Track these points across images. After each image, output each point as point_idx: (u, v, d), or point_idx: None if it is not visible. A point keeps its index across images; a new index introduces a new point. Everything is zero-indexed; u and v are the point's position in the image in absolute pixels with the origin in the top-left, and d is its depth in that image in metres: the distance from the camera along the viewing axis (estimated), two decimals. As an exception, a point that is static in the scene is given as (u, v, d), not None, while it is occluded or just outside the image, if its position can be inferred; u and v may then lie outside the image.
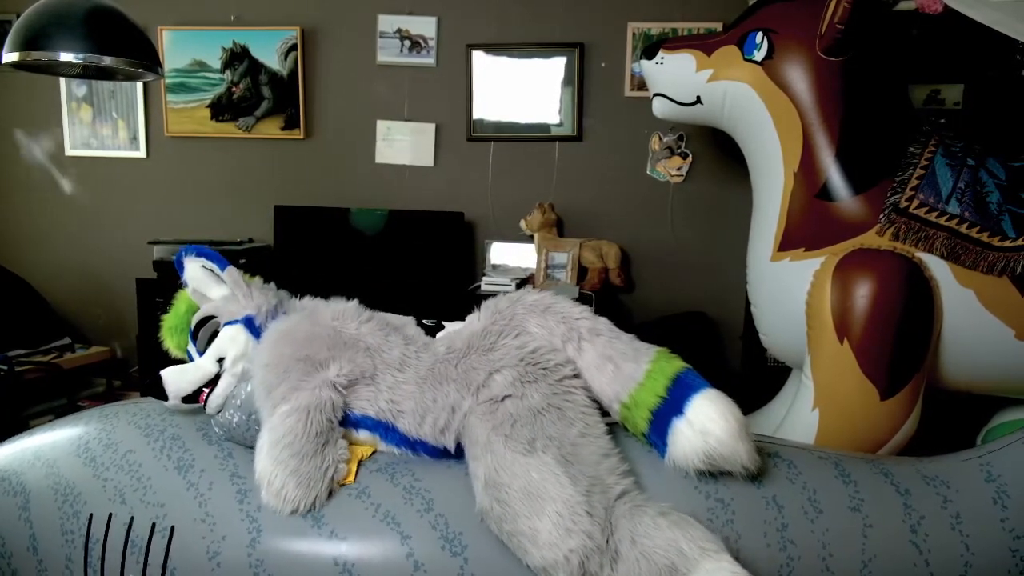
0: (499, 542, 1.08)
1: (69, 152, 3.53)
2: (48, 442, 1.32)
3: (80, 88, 3.48)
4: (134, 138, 3.48)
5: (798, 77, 1.98)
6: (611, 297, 3.09)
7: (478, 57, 3.18)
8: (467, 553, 1.10)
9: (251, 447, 1.20)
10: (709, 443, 1.09)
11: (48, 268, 3.59)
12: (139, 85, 3.41)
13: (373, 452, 1.23)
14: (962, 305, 1.84)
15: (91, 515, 1.19)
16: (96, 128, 3.51)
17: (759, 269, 2.14)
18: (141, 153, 3.49)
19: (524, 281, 3.08)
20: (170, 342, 1.42)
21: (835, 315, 1.84)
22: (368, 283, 3.09)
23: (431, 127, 3.26)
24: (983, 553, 1.12)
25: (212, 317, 1.33)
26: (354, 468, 1.18)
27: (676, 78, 2.20)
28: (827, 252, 1.93)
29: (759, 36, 2.03)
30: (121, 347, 3.54)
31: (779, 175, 2.04)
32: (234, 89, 3.35)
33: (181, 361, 1.37)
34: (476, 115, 3.22)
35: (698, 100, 2.19)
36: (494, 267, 3.22)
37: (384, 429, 1.22)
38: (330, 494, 1.15)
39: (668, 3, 3.03)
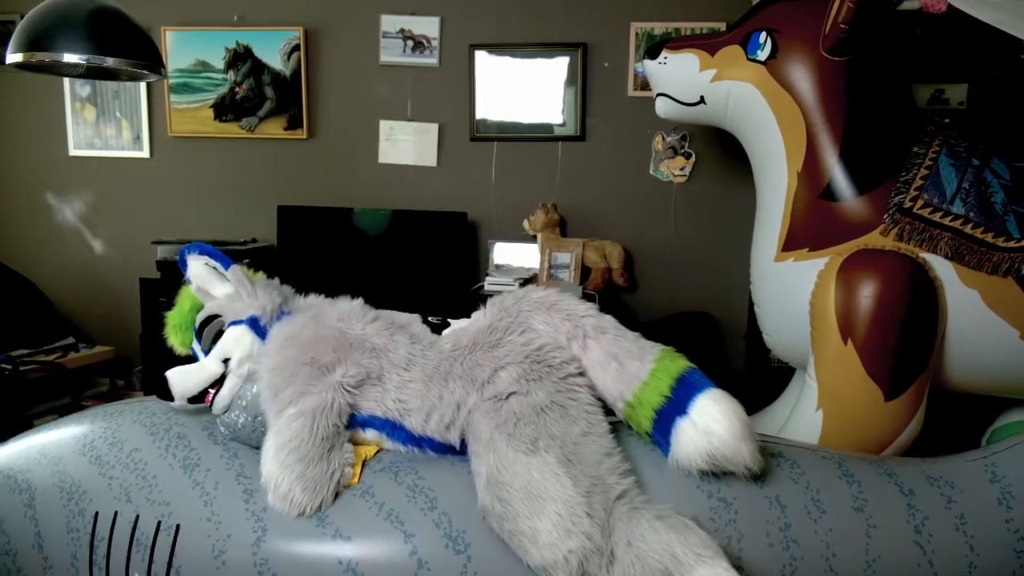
0: (502, 540, 1.08)
1: (73, 152, 3.54)
2: (54, 440, 1.32)
3: (84, 88, 3.49)
4: (137, 138, 3.49)
5: (802, 77, 1.98)
6: (614, 297, 3.09)
7: (481, 57, 3.18)
8: (470, 551, 1.10)
9: (257, 447, 1.20)
10: (712, 443, 1.09)
11: (52, 268, 3.59)
12: (142, 85, 3.42)
13: (378, 451, 1.23)
14: (966, 305, 1.84)
15: (96, 513, 1.19)
16: (100, 128, 3.51)
17: (763, 269, 2.14)
18: (144, 153, 3.50)
19: (527, 281, 3.08)
20: (174, 339, 1.41)
21: (839, 315, 1.84)
22: (371, 283, 3.09)
23: (434, 127, 3.26)
24: (987, 554, 1.12)
25: (216, 316, 1.33)
26: (358, 471, 1.19)
27: (679, 78, 2.20)
28: (831, 252, 1.93)
29: (763, 36, 2.02)
30: (125, 347, 3.55)
31: (783, 175, 2.04)
32: (237, 89, 3.36)
33: (185, 359, 1.37)
34: (479, 115, 3.22)
35: (701, 100, 2.18)
36: (497, 267, 3.22)
37: (391, 428, 1.22)
38: (335, 496, 1.15)
39: (671, 3, 3.02)
